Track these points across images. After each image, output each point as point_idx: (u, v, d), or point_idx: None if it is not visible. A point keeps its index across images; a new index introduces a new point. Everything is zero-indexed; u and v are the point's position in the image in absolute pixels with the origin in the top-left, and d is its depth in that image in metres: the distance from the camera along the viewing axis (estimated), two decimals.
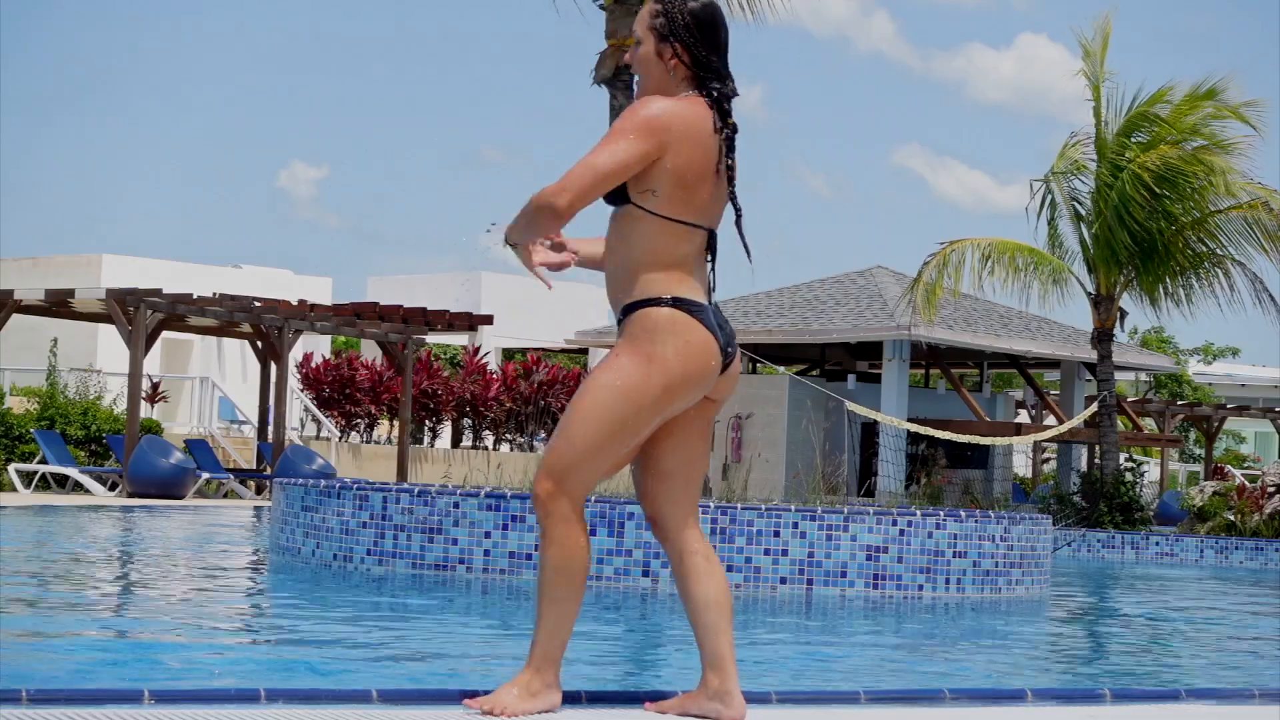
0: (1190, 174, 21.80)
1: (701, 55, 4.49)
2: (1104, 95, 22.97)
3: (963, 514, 11.12)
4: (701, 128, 4.45)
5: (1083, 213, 23.55)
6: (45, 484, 23.37)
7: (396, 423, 29.48)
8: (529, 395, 33.23)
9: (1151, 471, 36.35)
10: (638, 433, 4.43)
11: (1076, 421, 25.08)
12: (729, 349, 4.55)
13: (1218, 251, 23.29)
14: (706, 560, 4.55)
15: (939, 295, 23.52)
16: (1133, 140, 22.75)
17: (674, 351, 4.41)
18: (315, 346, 36.81)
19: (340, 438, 30.85)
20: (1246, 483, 22.78)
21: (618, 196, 4.45)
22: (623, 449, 4.44)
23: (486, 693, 4.49)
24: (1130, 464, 23.76)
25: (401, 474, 26.51)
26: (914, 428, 22.96)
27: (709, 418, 4.64)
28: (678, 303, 4.43)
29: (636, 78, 4.54)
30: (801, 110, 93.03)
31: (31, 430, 23.82)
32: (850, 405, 25.61)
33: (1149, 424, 35.46)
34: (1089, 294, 23.57)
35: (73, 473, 22.92)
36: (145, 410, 27.20)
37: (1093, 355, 24.69)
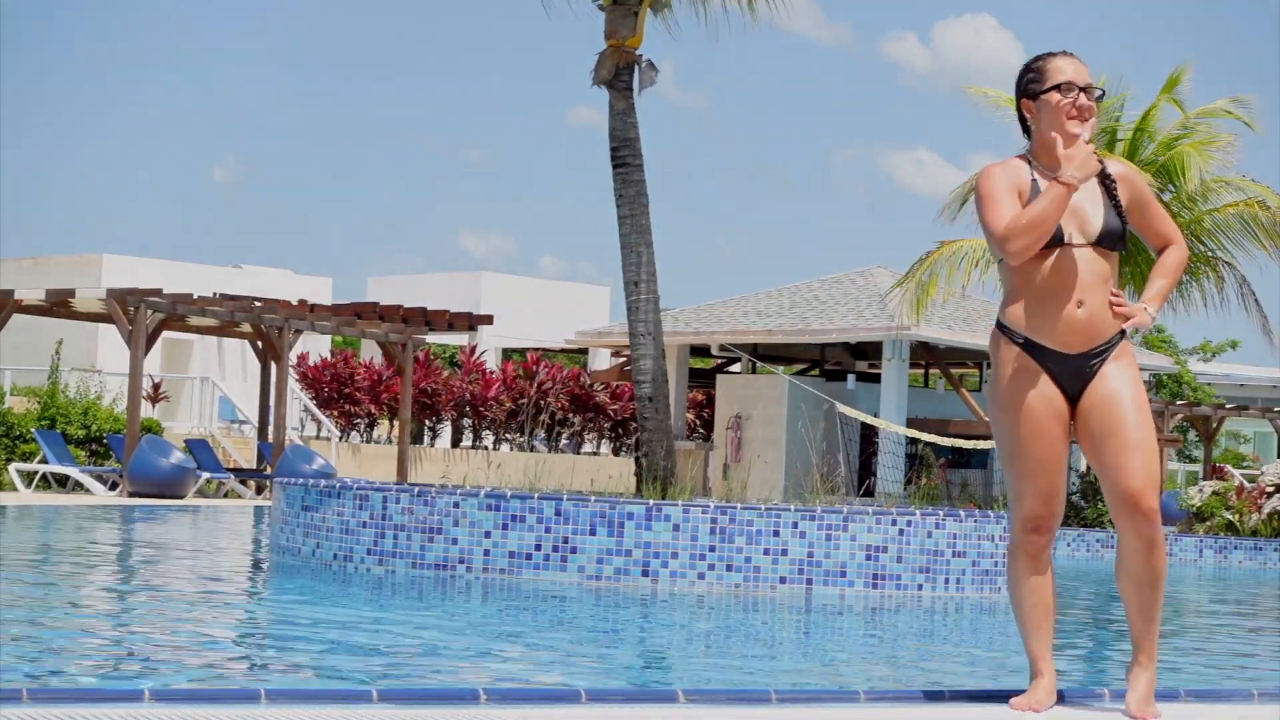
0: (1172, 173, 21.79)
1: None
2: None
3: (962, 514, 11.13)
4: None
5: None
6: (46, 483, 23.38)
7: (396, 422, 29.48)
8: (530, 395, 33.25)
9: None
10: None
11: None
12: None
13: (1216, 252, 23.28)
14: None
15: (932, 295, 23.52)
16: (1119, 137, 22.75)
17: None
18: (315, 347, 36.82)
19: (340, 437, 30.86)
20: (1245, 482, 22.78)
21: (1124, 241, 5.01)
22: None
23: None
24: None
25: (401, 474, 26.51)
26: (899, 429, 22.89)
27: None
28: None
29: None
30: (806, 109, 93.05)
31: (32, 430, 23.84)
32: (840, 407, 25.57)
33: None
34: None
35: (73, 472, 22.94)
36: (146, 410, 27.22)
37: None
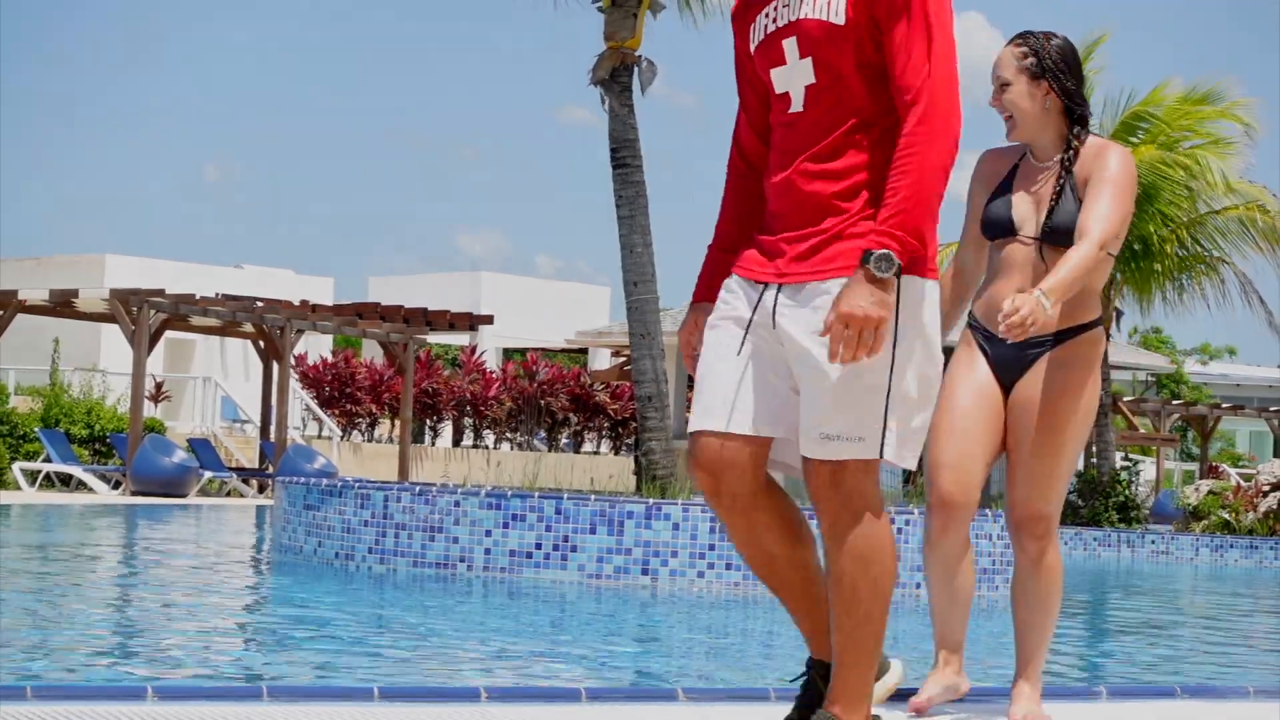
0: (1179, 175, 21.76)
1: (1071, 86, 4.74)
2: (1101, 98, 22.93)
3: None
4: None
5: None
6: (49, 483, 23.43)
7: (397, 422, 29.51)
8: (530, 395, 33.27)
9: (1147, 470, 36.42)
10: None
11: None
12: None
13: (1213, 253, 23.35)
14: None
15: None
16: (1131, 140, 22.75)
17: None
18: (316, 347, 36.85)
19: (342, 437, 30.89)
20: (1241, 481, 22.83)
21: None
22: None
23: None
24: (1126, 464, 23.79)
25: (403, 473, 26.55)
26: None
27: None
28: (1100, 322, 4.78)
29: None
30: None
31: (36, 429, 23.88)
32: None
33: (1145, 423, 35.51)
34: None
35: (77, 471, 22.98)
36: (149, 409, 27.25)
37: None
